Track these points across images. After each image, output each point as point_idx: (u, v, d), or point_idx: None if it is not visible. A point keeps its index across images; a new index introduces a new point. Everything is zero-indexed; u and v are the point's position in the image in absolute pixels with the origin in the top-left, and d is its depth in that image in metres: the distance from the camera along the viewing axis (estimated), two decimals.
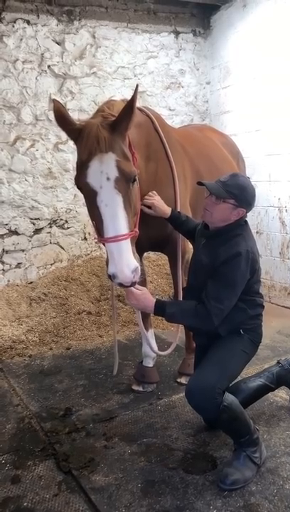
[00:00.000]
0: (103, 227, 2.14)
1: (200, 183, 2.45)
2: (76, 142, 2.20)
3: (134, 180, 2.23)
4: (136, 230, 2.29)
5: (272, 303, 5.17)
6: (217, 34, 5.79)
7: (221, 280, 2.29)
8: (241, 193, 2.33)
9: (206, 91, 6.06)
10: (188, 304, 2.40)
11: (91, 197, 2.15)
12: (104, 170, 2.09)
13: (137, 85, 2.21)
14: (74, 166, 2.27)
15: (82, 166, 2.13)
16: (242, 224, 2.43)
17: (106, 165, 2.09)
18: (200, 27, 5.91)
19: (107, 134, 2.11)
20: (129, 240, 2.14)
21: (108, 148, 2.09)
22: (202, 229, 2.58)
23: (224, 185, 2.33)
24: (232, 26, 5.51)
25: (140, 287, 2.36)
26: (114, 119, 2.18)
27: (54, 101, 2.21)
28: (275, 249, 5.17)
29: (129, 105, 2.15)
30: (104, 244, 2.22)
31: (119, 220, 2.11)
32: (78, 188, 2.23)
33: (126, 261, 2.11)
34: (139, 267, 2.17)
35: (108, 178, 2.10)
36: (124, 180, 2.13)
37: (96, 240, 2.29)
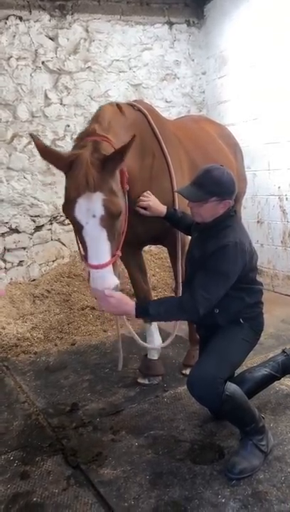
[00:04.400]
0: (87, 255, 2.27)
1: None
2: (66, 174, 2.25)
3: (120, 214, 2.30)
4: (118, 252, 2.38)
5: (276, 292, 5.15)
6: (212, 23, 5.74)
7: (209, 270, 2.28)
8: (220, 188, 2.30)
9: (202, 81, 6.02)
10: (171, 300, 2.39)
11: (77, 228, 2.27)
12: (90, 208, 2.17)
13: (132, 139, 2.21)
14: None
15: (70, 200, 2.20)
16: (231, 215, 2.41)
17: (93, 203, 2.17)
18: (193, 17, 5.85)
19: (96, 172, 2.15)
20: (110, 266, 2.27)
21: (96, 188, 2.16)
22: (195, 223, 2.59)
23: (201, 187, 2.31)
24: (226, 15, 5.45)
25: (114, 293, 2.28)
26: (104, 154, 2.20)
27: (32, 136, 2.26)
28: (276, 238, 5.15)
29: (121, 150, 2.18)
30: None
31: (101, 251, 2.24)
32: (65, 216, 2.32)
33: (107, 285, 2.24)
34: (118, 284, 2.30)
35: (94, 216, 2.18)
36: (109, 218, 2.21)
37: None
